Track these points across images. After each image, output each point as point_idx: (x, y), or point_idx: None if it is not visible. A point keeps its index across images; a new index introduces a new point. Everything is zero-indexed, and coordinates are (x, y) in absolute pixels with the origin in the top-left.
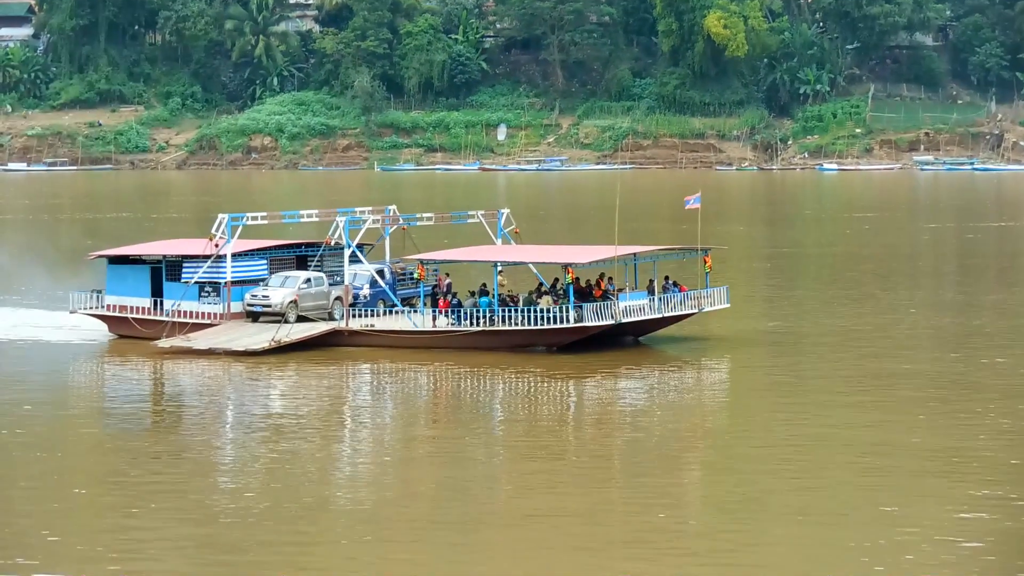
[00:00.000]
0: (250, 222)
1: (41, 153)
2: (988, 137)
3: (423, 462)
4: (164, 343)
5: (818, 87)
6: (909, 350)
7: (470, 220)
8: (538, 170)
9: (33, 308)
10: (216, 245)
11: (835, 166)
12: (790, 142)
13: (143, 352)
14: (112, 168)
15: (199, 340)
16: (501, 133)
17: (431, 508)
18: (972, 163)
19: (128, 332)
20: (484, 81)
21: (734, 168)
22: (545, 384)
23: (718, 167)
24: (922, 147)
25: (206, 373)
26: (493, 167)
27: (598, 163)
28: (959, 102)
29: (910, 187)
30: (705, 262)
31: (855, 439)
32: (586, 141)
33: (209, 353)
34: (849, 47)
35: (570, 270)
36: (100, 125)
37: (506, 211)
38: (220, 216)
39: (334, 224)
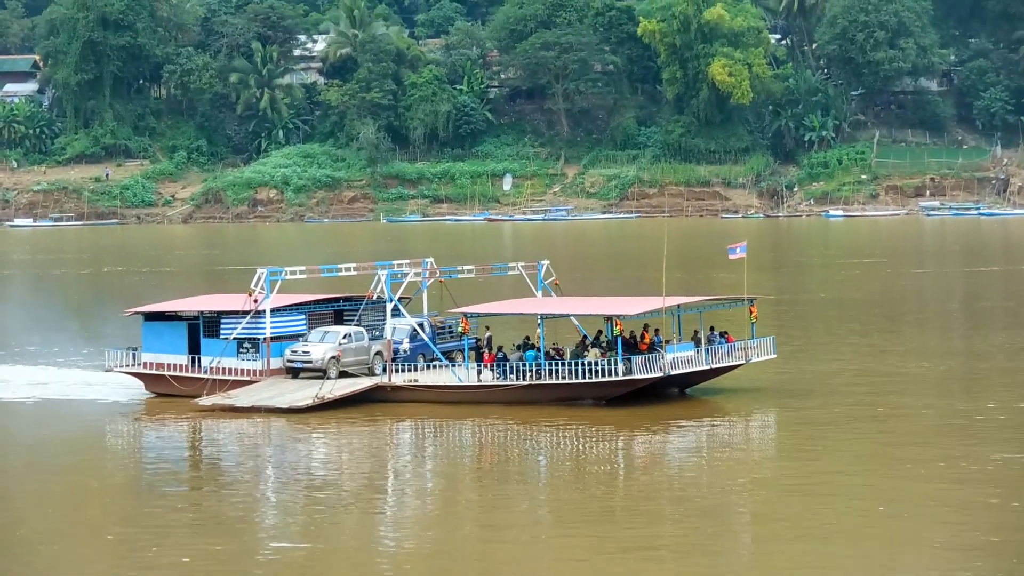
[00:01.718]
0: (288, 276)
1: (47, 208)
2: (994, 181)
3: (468, 521)
4: (205, 401)
5: (823, 133)
6: (948, 396)
7: (511, 272)
8: (544, 220)
9: (67, 367)
10: (255, 300)
11: (841, 212)
12: (796, 189)
13: (182, 410)
14: (118, 223)
15: (241, 397)
16: (507, 183)
17: (477, 569)
18: (978, 208)
19: (165, 390)
20: (489, 131)
21: (740, 215)
22: (593, 439)
23: (724, 215)
24: (928, 192)
25: (247, 432)
26: (499, 217)
27: (604, 212)
28: (964, 147)
29: (917, 233)
30: (751, 312)
31: (922, 494)
32: (592, 190)
33: (251, 411)
34: (854, 93)
35: (618, 322)
36: (108, 176)
37: (546, 263)
38: (259, 271)
39: (376, 278)
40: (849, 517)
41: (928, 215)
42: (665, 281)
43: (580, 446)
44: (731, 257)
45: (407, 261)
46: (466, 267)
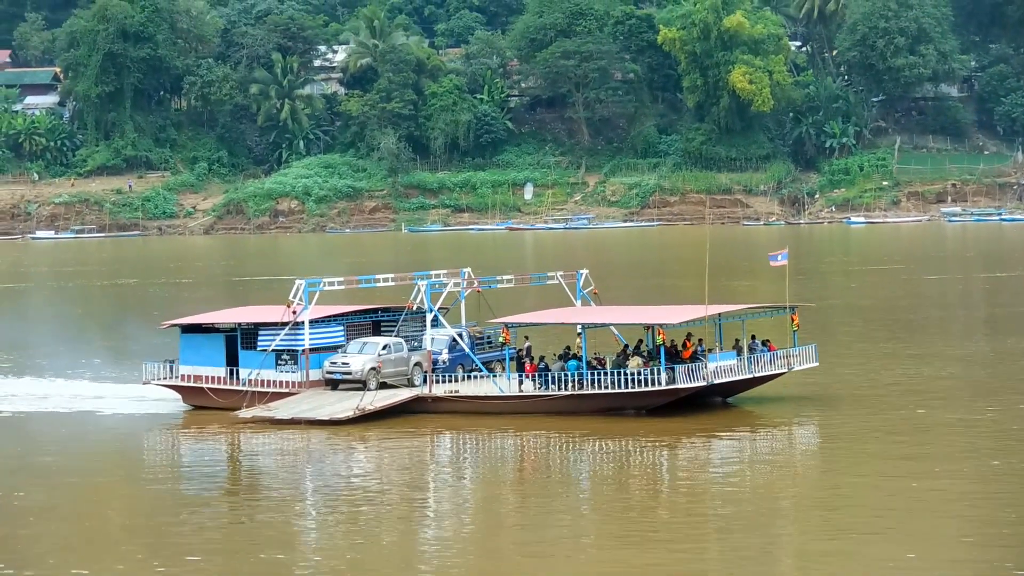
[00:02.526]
0: (326, 287)
1: (69, 221)
2: (1015, 187)
3: (509, 537)
4: (245, 413)
5: (844, 140)
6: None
7: (550, 281)
8: (566, 228)
9: (101, 380)
10: (294, 312)
11: (863, 219)
12: (817, 196)
13: (222, 422)
14: (140, 234)
15: (281, 410)
16: (528, 192)
17: None
18: (1000, 213)
19: (203, 402)
20: (510, 140)
21: (762, 223)
22: (639, 449)
23: (745, 222)
24: (949, 198)
25: (288, 444)
26: (521, 226)
27: (625, 220)
28: (985, 152)
29: (939, 238)
30: (793, 320)
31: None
32: (613, 198)
33: (291, 423)
34: (874, 99)
35: (661, 331)
36: (131, 188)
37: (584, 271)
38: (297, 282)
39: (416, 289)
40: (895, 528)
41: (950, 221)
42: (707, 289)
43: (623, 458)
44: (772, 264)
45: (445, 271)
46: (505, 277)
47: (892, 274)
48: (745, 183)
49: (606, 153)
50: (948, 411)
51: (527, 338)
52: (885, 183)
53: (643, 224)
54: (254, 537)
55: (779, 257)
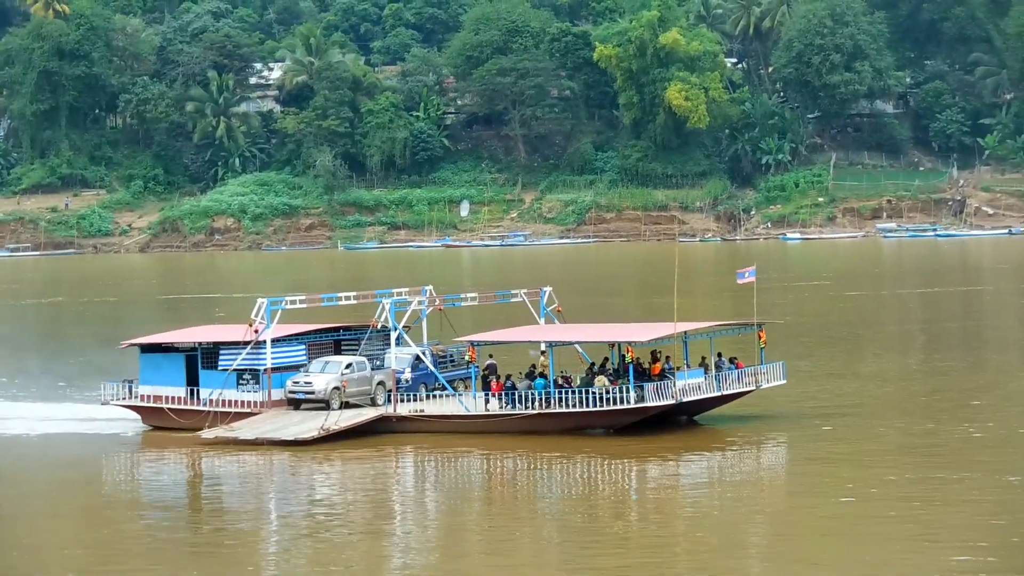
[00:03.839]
0: (289, 306)
1: (3, 239)
2: (951, 203)
3: (475, 558)
4: (208, 434)
5: (780, 156)
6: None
7: (513, 300)
8: (502, 245)
9: (61, 401)
10: (256, 331)
11: (799, 235)
12: (753, 212)
13: (183, 443)
14: (75, 252)
15: (244, 430)
16: (464, 209)
17: None
18: (935, 229)
19: (163, 423)
20: (446, 157)
21: (698, 239)
22: (607, 468)
23: (682, 238)
24: (885, 214)
25: (250, 465)
26: (457, 243)
27: (561, 237)
28: (921, 169)
29: (875, 255)
30: (760, 337)
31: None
32: (549, 215)
33: (254, 443)
34: (810, 116)
35: (630, 349)
36: (67, 206)
37: (548, 289)
38: (259, 300)
39: (380, 307)
40: (865, 546)
41: (885, 237)
42: (675, 307)
43: (592, 477)
44: (739, 282)
45: (407, 289)
46: (469, 295)
47: (831, 290)
48: (681, 200)
49: (542, 170)
50: (904, 425)
51: (491, 356)
52: (821, 199)
53: (579, 241)
54: (217, 561)
55: (746, 274)
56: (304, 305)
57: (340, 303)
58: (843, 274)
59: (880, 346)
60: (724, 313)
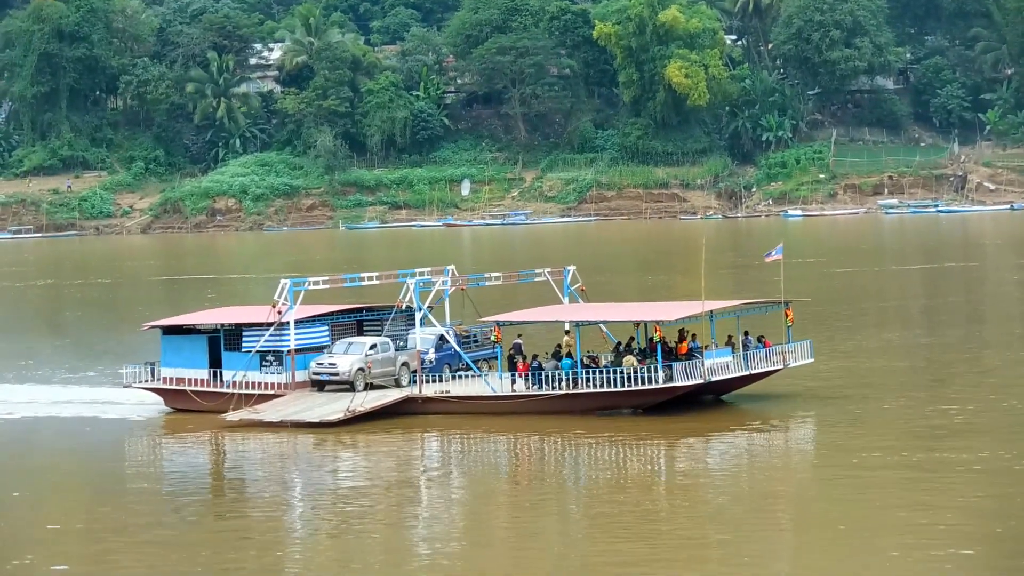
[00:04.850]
0: (311, 287)
1: (5, 221)
2: (952, 179)
3: (500, 543)
4: (232, 416)
5: (780, 133)
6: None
7: (537, 279)
8: (503, 224)
9: (82, 385)
10: (279, 312)
11: (800, 212)
12: (754, 189)
13: (207, 425)
14: (77, 234)
15: (268, 412)
16: (465, 188)
17: None
18: (936, 205)
19: (186, 405)
20: (446, 137)
21: (699, 217)
22: (634, 450)
23: (682, 216)
24: (886, 191)
25: (274, 447)
26: (459, 223)
27: (562, 216)
28: (922, 144)
29: (877, 231)
30: (787, 315)
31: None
32: (550, 194)
33: (279, 426)
34: (810, 93)
35: (658, 328)
36: (70, 187)
37: (572, 268)
38: (282, 281)
39: (404, 287)
40: (893, 528)
41: (887, 213)
42: (703, 285)
43: (621, 458)
44: (767, 260)
45: (430, 269)
46: (493, 274)
47: (838, 266)
48: (682, 177)
49: (543, 149)
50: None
51: (520, 335)
52: (822, 176)
53: (580, 219)
54: (238, 544)
55: (773, 252)
56: (327, 286)
57: (363, 283)
58: (875, 251)
59: (905, 321)
60: (724, 292)
